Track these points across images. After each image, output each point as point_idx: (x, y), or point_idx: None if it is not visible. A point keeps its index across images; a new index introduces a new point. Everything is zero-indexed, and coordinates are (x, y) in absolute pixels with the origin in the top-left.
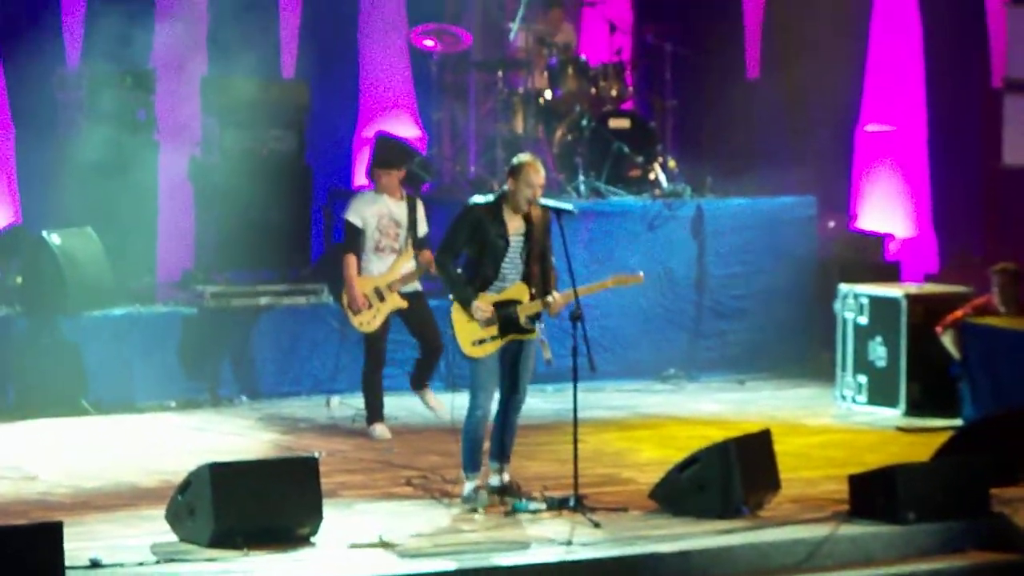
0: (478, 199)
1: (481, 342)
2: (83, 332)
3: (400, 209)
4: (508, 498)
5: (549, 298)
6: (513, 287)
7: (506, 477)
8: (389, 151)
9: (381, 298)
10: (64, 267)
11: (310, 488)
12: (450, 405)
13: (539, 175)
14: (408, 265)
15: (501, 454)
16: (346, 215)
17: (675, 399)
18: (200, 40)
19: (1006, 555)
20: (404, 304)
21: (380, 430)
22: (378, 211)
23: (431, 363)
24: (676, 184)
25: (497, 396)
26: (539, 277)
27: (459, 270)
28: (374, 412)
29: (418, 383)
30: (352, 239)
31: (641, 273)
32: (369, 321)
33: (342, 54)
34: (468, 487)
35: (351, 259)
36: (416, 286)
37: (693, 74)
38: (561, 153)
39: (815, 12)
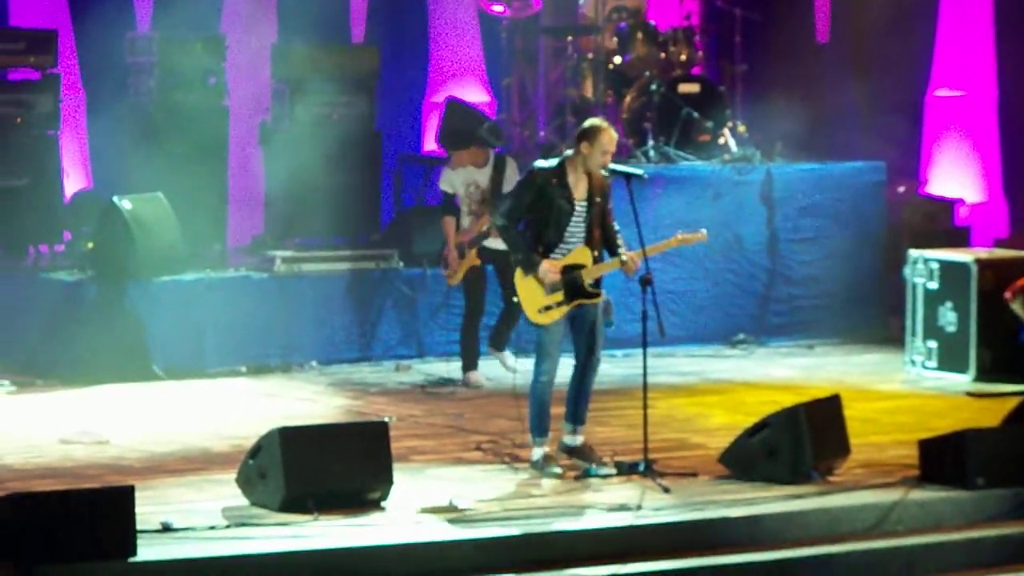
0: (541, 163)
1: (547, 308)
2: (154, 298)
3: (483, 174)
4: (579, 460)
5: (623, 256)
6: (576, 251)
7: (579, 439)
8: (455, 131)
9: (461, 255)
10: (135, 233)
11: (381, 453)
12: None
13: (613, 141)
14: (483, 223)
15: (575, 417)
16: (440, 183)
17: (744, 364)
18: (270, 5)
19: None
20: (477, 261)
21: (475, 377)
22: (464, 178)
23: (511, 323)
24: (745, 149)
25: (564, 360)
26: (600, 241)
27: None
28: (468, 361)
29: (497, 344)
30: (447, 203)
31: (704, 231)
32: (451, 276)
33: (411, 19)
34: (536, 453)
35: (448, 220)
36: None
37: (763, 39)
38: (631, 118)
39: None
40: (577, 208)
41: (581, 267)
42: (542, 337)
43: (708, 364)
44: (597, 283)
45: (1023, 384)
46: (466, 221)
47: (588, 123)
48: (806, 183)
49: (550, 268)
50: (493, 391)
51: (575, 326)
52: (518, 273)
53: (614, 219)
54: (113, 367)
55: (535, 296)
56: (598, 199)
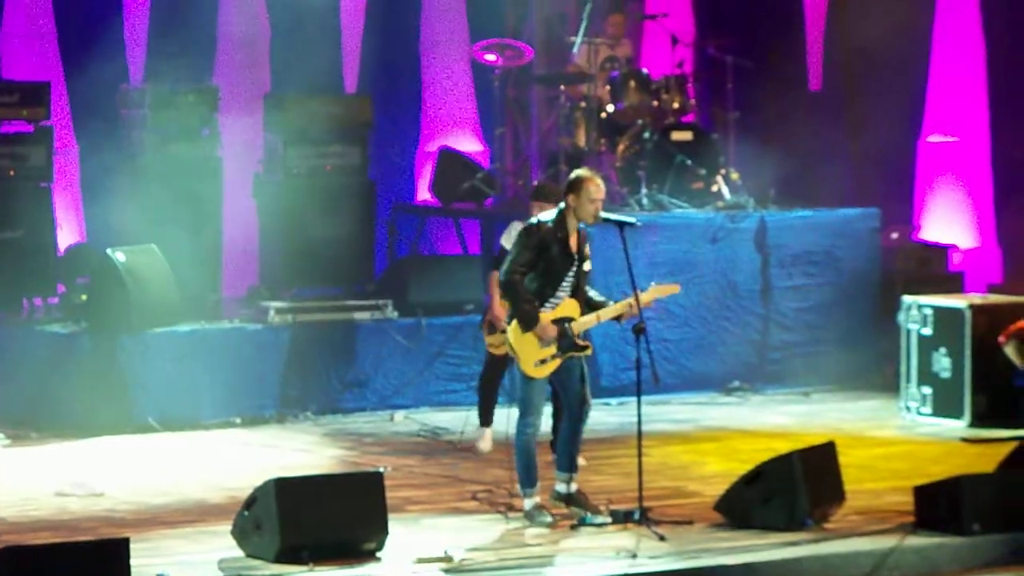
0: (542, 217)
1: (543, 362)
2: (148, 349)
3: None
4: (574, 508)
5: (629, 300)
6: (564, 304)
7: (574, 486)
8: (547, 187)
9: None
10: (129, 285)
11: (376, 503)
12: (506, 419)
13: (600, 189)
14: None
15: (570, 465)
16: (502, 239)
17: (739, 412)
18: (263, 57)
19: None
20: None
21: (482, 443)
22: None
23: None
24: (739, 196)
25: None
26: (584, 293)
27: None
28: (482, 417)
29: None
30: (501, 261)
31: (678, 285)
32: (498, 345)
33: (404, 69)
34: (528, 504)
35: (495, 277)
36: None
37: (755, 86)
38: (624, 166)
39: (877, 23)
40: (575, 261)
41: (571, 319)
42: (529, 390)
43: (703, 411)
44: (585, 335)
45: (1018, 429)
46: None
47: (573, 175)
48: (800, 230)
49: (547, 325)
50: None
51: (565, 377)
52: (513, 328)
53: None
54: (108, 419)
55: (531, 350)
56: (583, 252)
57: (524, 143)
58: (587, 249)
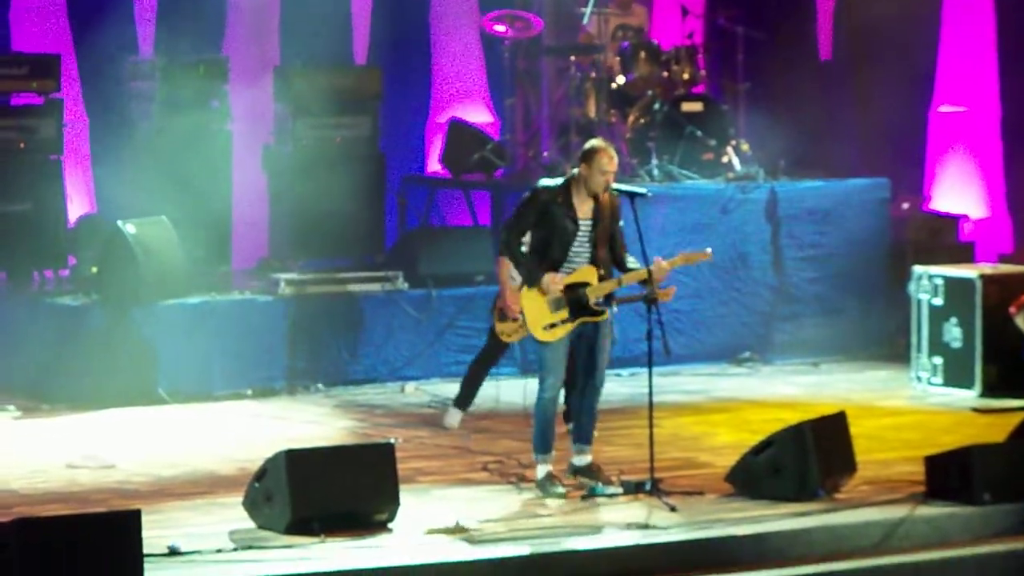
0: (546, 182)
1: (552, 326)
2: (159, 321)
3: None
4: (586, 480)
5: (651, 266)
6: (581, 270)
7: (588, 458)
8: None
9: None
10: (139, 257)
11: (387, 474)
12: (523, 391)
13: (612, 161)
14: None
15: (580, 436)
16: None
17: (750, 382)
18: (272, 28)
19: None
20: None
21: (448, 418)
22: None
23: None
24: (749, 167)
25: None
26: (607, 260)
27: (524, 250)
28: (460, 398)
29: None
30: None
31: (709, 249)
32: (509, 334)
33: (414, 40)
34: (541, 471)
35: (504, 261)
36: None
37: (765, 57)
38: (634, 137)
39: None
40: (581, 227)
41: (586, 284)
42: (544, 354)
43: (714, 382)
44: (607, 300)
45: None
46: None
47: (587, 144)
48: (810, 201)
49: (552, 279)
50: (497, 412)
51: (577, 346)
52: (524, 291)
53: (624, 238)
54: (119, 391)
55: (540, 314)
56: (604, 219)
57: (534, 114)
58: (609, 215)
